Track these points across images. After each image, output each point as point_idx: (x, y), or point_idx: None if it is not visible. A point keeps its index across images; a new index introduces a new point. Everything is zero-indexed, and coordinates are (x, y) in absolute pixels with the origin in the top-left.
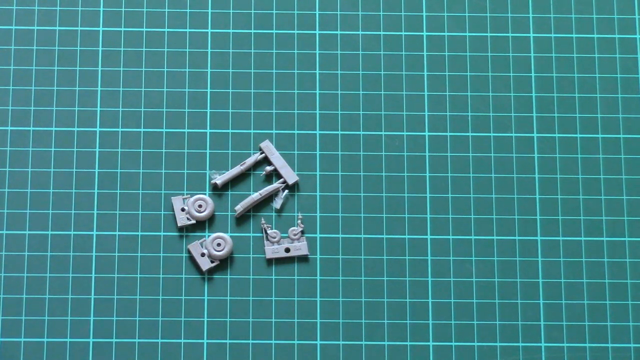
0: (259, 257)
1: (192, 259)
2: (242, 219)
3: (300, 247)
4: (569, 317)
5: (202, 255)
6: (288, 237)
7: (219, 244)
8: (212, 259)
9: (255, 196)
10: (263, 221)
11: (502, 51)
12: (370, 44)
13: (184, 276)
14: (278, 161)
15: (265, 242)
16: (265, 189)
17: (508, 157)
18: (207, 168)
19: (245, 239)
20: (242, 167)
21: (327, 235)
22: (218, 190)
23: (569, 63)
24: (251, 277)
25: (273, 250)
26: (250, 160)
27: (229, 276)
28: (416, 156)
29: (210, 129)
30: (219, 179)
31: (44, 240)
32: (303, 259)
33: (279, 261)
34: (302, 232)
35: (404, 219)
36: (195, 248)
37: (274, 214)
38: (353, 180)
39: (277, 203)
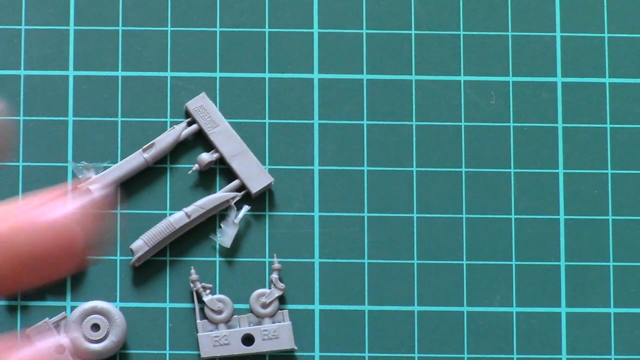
0: (187, 355)
1: None
2: (146, 271)
3: (277, 333)
4: None
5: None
6: (251, 311)
7: (96, 326)
8: (80, 357)
9: (176, 219)
10: (194, 274)
11: None
12: None
13: None
14: (227, 141)
15: (198, 321)
16: (199, 204)
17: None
18: (69, 157)
19: (153, 315)
20: (145, 156)
21: (336, 307)
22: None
23: None
24: None
25: (215, 340)
26: (164, 141)
27: None
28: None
29: (72, 70)
30: (95, 182)
31: None
32: (285, 358)
33: None
34: (281, 299)
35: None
36: (41, 333)
37: (217, 259)
38: (390, 178)
39: (226, 234)
